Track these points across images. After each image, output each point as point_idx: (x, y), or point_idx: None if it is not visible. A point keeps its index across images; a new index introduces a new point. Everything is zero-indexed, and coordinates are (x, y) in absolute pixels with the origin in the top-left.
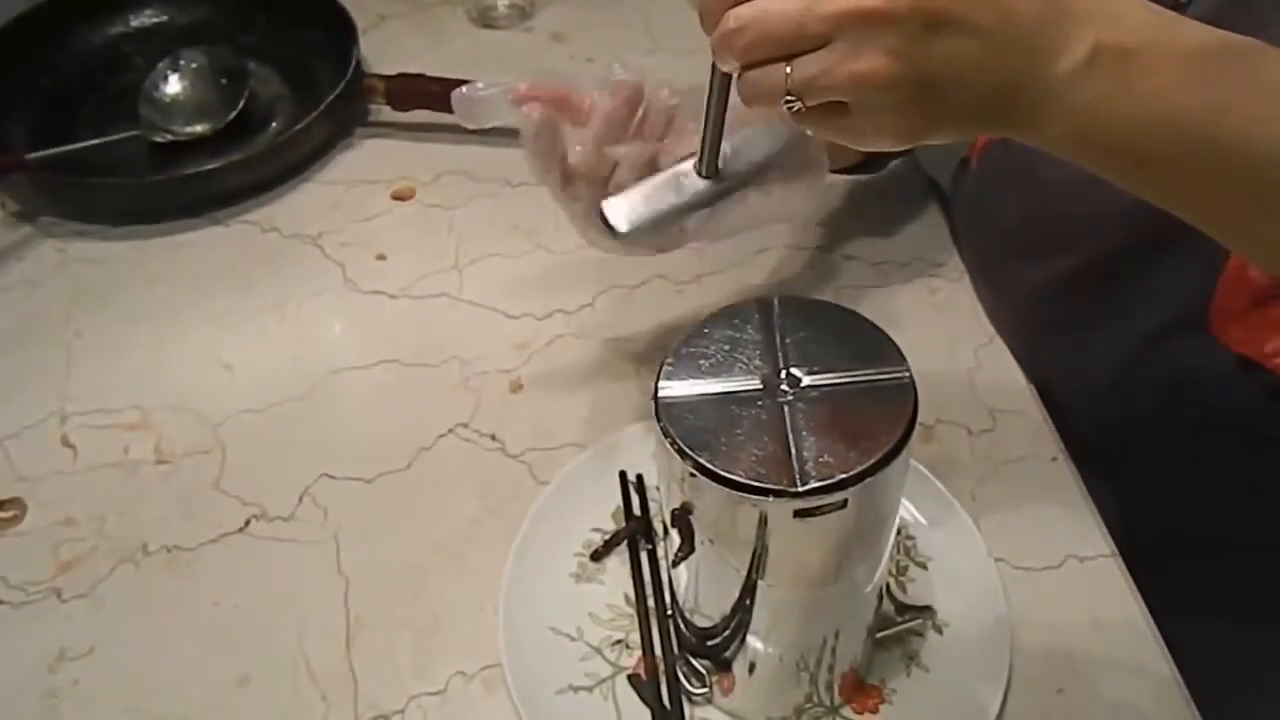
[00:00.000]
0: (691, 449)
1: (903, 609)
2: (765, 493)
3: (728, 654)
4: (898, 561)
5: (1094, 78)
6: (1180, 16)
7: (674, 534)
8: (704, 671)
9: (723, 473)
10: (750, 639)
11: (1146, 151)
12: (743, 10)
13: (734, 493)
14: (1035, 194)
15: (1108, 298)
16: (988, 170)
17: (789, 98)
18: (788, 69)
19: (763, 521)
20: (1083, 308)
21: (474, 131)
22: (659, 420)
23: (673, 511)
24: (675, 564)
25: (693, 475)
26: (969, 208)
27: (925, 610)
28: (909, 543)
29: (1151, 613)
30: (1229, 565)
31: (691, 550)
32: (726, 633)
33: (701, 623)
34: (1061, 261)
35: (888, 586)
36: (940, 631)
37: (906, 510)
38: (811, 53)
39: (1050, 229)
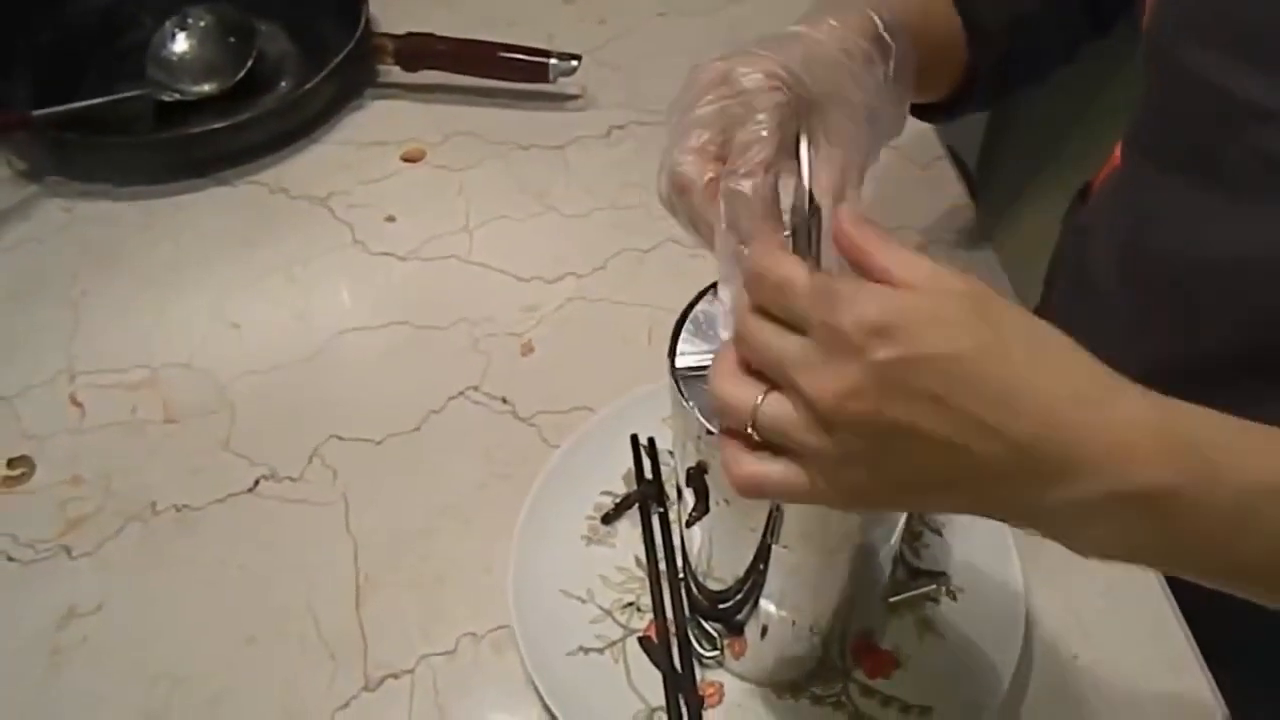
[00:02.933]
0: (708, 405)
1: (916, 574)
2: None
3: (740, 617)
4: (912, 527)
5: (1114, 521)
6: (1225, 434)
7: (688, 495)
8: (715, 634)
9: None
10: (763, 603)
11: (1199, 581)
12: (750, 325)
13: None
14: (1139, 261)
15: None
16: (1100, 209)
17: (751, 430)
18: (760, 399)
19: None
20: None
21: (484, 93)
22: (674, 378)
23: (688, 471)
24: (689, 525)
25: (709, 434)
26: (1075, 249)
27: (939, 576)
28: None
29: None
30: None
31: (706, 511)
32: (739, 596)
33: (714, 586)
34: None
35: (901, 552)
36: (954, 597)
37: None
38: (786, 399)
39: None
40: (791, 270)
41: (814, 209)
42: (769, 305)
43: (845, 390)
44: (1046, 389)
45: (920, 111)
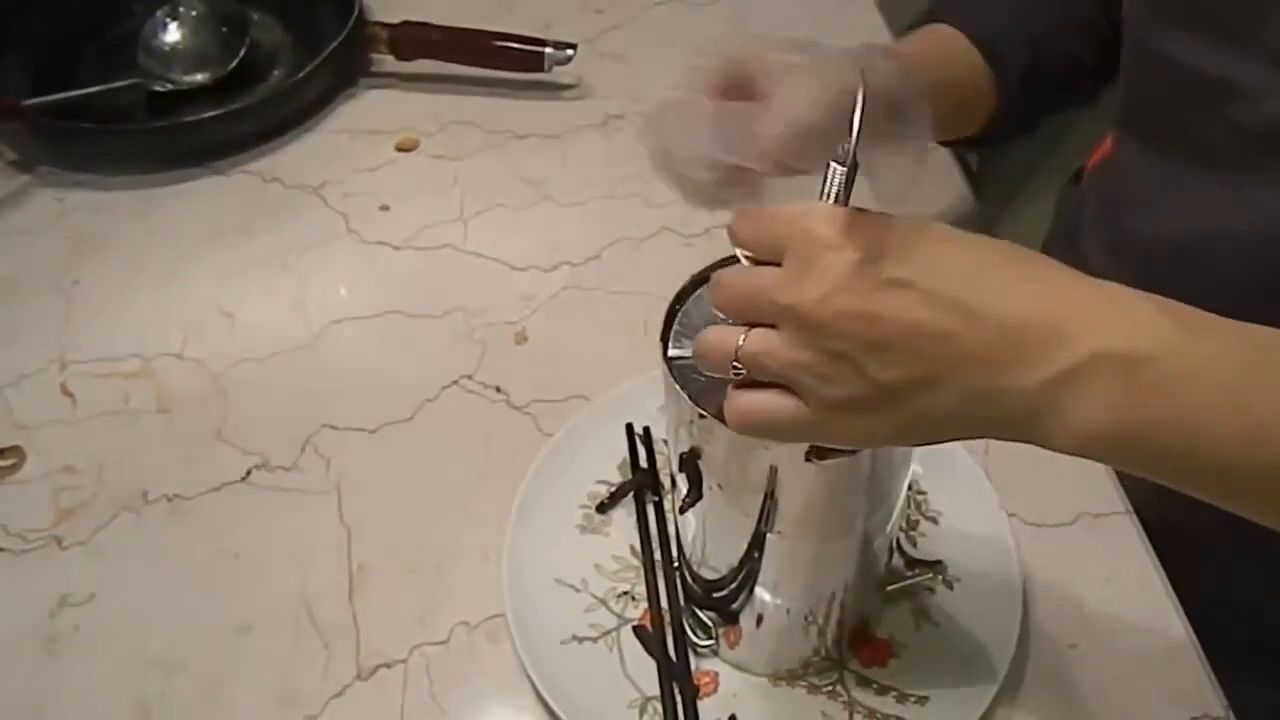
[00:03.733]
0: (700, 391)
1: (913, 563)
2: None
3: (735, 606)
4: (908, 516)
5: (1095, 391)
6: (1202, 317)
7: (681, 481)
8: (710, 624)
9: None
10: (758, 591)
11: (1172, 469)
12: (723, 273)
13: (743, 435)
14: (1126, 241)
15: None
16: (1090, 191)
17: (736, 364)
18: (742, 339)
19: (773, 466)
20: None
21: (480, 82)
22: (665, 362)
23: (680, 456)
24: (683, 510)
25: (702, 418)
26: (1067, 231)
27: (936, 565)
28: (920, 497)
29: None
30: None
31: (700, 497)
32: (734, 585)
33: (708, 575)
34: None
35: (898, 541)
36: (951, 587)
37: (918, 464)
38: (767, 328)
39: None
40: (772, 210)
41: (854, 164)
42: (753, 244)
43: (827, 290)
44: (1022, 269)
45: (957, 144)
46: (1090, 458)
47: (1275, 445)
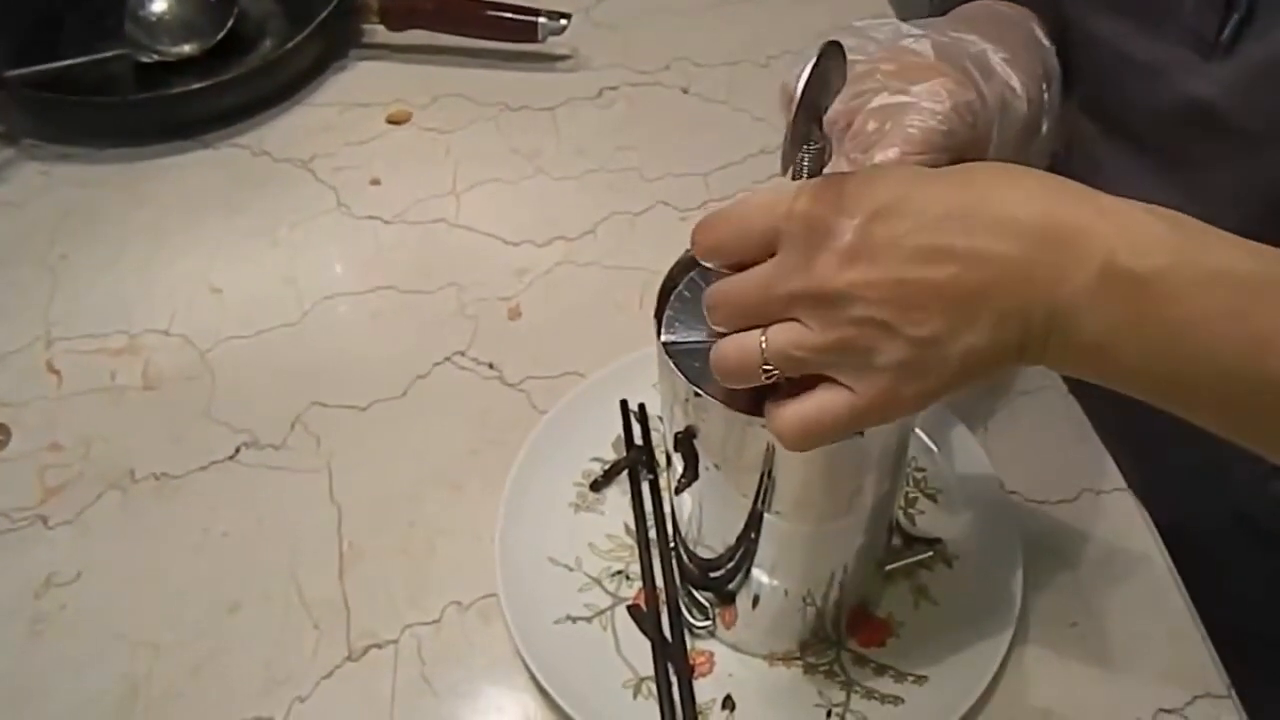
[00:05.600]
0: (694, 369)
1: (912, 541)
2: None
3: (731, 586)
4: (907, 494)
5: (1105, 305)
6: (1207, 231)
7: (676, 461)
8: (706, 604)
9: None
10: (755, 572)
11: (1177, 385)
12: (714, 289)
13: (738, 414)
14: None
15: None
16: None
17: (766, 367)
18: (763, 340)
19: (770, 446)
20: None
21: (472, 53)
22: (660, 340)
23: (675, 436)
24: (678, 491)
25: (697, 396)
26: None
27: (935, 543)
28: (920, 474)
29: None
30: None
31: (695, 477)
32: (730, 565)
33: (704, 554)
34: None
35: (897, 519)
36: (950, 565)
37: (918, 441)
38: (785, 322)
39: None
40: (731, 207)
41: (823, 140)
42: (739, 251)
43: (838, 263)
44: (1017, 189)
45: None
46: (1092, 376)
47: (1276, 359)
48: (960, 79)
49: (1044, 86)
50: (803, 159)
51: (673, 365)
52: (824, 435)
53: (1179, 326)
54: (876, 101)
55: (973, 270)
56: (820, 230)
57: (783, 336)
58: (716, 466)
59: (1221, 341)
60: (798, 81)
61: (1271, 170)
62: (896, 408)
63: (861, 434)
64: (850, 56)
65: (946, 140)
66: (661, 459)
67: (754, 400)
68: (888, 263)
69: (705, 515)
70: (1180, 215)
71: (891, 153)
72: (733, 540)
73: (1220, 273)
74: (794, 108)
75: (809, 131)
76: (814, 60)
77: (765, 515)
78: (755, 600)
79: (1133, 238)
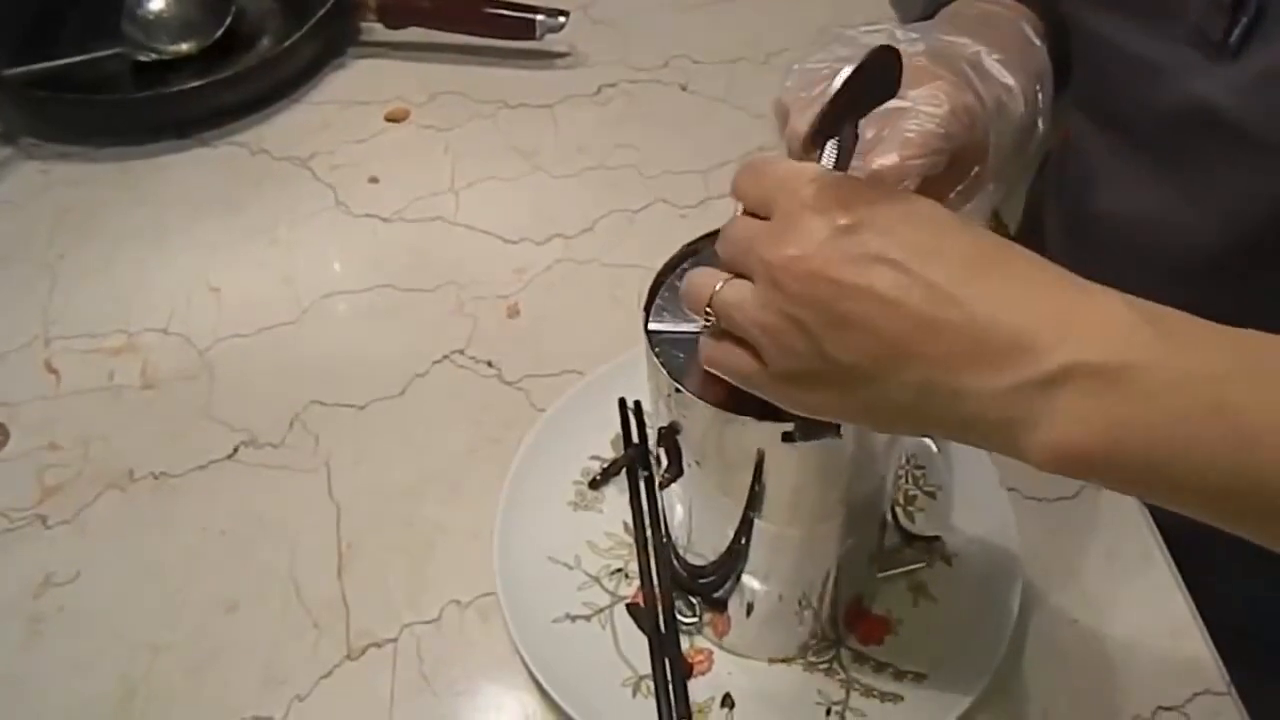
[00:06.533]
0: (680, 365)
1: (910, 538)
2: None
3: (719, 594)
4: (906, 491)
5: (1070, 403)
6: (1189, 322)
7: (663, 456)
8: (696, 605)
9: None
10: (746, 578)
11: (1158, 483)
12: (727, 223)
13: (718, 410)
14: (1081, 222)
15: None
16: (1051, 175)
17: (708, 310)
18: (719, 284)
19: (752, 445)
20: None
21: (470, 51)
22: (647, 335)
23: (659, 431)
24: (662, 486)
25: (678, 391)
26: (1033, 215)
27: (933, 540)
28: (918, 472)
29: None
30: None
31: (679, 473)
32: (721, 572)
33: (695, 560)
34: None
35: (896, 516)
36: (949, 562)
37: (916, 439)
38: (744, 280)
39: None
40: (764, 160)
41: (854, 136)
42: (747, 197)
43: (802, 251)
44: (1006, 267)
45: None
46: (1072, 475)
47: (1267, 457)
48: (957, 82)
49: (1038, 87)
50: (831, 146)
51: (657, 361)
52: (722, 371)
53: (1156, 427)
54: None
55: (915, 328)
56: (801, 214)
57: (732, 294)
58: (698, 463)
59: (1203, 440)
60: (835, 78)
61: (1276, 174)
62: (793, 405)
63: (840, 435)
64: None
65: (944, 143)
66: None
67: (734, 398)
68: (843, 271)
69: (695, 521)
70: (1162, 309)
71: (890, 159)
72: (723, 546)
73: (1200, 368)
74: (829, 103)
75: (840, 128)
76: (860, 62)
77: (753, 519)
78: (749, 609)
79: (1107, 333)
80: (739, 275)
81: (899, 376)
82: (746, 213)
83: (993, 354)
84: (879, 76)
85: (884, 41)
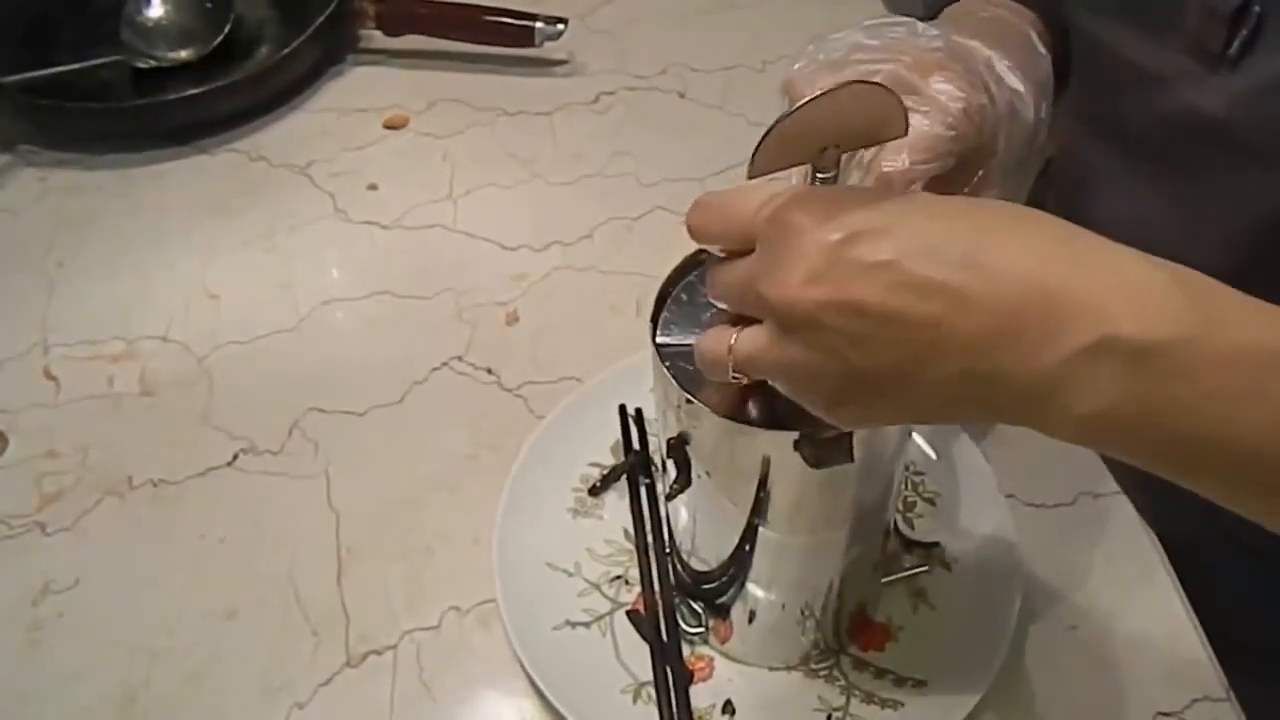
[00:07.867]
0: (688, 374)
1: (910, 545)
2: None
3: (723, 600)
4: (905, 498)
5: (1103, 378)
6: (1228, 295)
7: (670, 467)
8: (700, 612)
9: None
10: (750, 586)
11: (1188, 464)
12: (711, 266)
13: (729, 421)
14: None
15: None
16: (1051, 182)
17: (734, 372)
18: (732, 340)
19: (763, 455)
20: None
21: (469, 58)
22: (654, 345)
23: (668, 441)
24: (670, 497)
25: (689, 402)
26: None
27: (933, 547)
28: (917, 478)
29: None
30: None
31: (688, 483)
32: (725, 578)
33: (698, 566)
34: None
35: (895, 523)
36: (949, 569)
37: (915, 445)
38: (754, 326)
39: None
40: (716, 196)
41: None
42: (719, 238)
43: (801, 279)
44: (1022, 239)
45: None
46: (1096, 447)
47: None
48: (973, 80)
49: (1043, 94)
50: (814, 179)
51: (667, 373)
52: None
53: (1191, 405)
54: None
55: (942, 322)
56: (790, 240)
57: (748, 345)
58: (708, 474)
59: (1238, 423)
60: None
61: (1275, 185)
62: (838, 422)
63: (853, 459)
64: (867, 51)
65: (953, 145)
66: (659, 463)
67: (746, 407)
68: (852, 288)
69: (699, 527)
70: (1201, 277)
71: (899, 161)
72: (727, 553)
73: (1240, 348)
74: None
75: (826, 163)
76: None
77: (759, 527)
78: (751, 616)
79: (1141, 306)
80: (743, 316)
81: (934, 372)
82: (728, 252)
83: (1025, 335)
84: (864, 114)
85: (904, 35)
